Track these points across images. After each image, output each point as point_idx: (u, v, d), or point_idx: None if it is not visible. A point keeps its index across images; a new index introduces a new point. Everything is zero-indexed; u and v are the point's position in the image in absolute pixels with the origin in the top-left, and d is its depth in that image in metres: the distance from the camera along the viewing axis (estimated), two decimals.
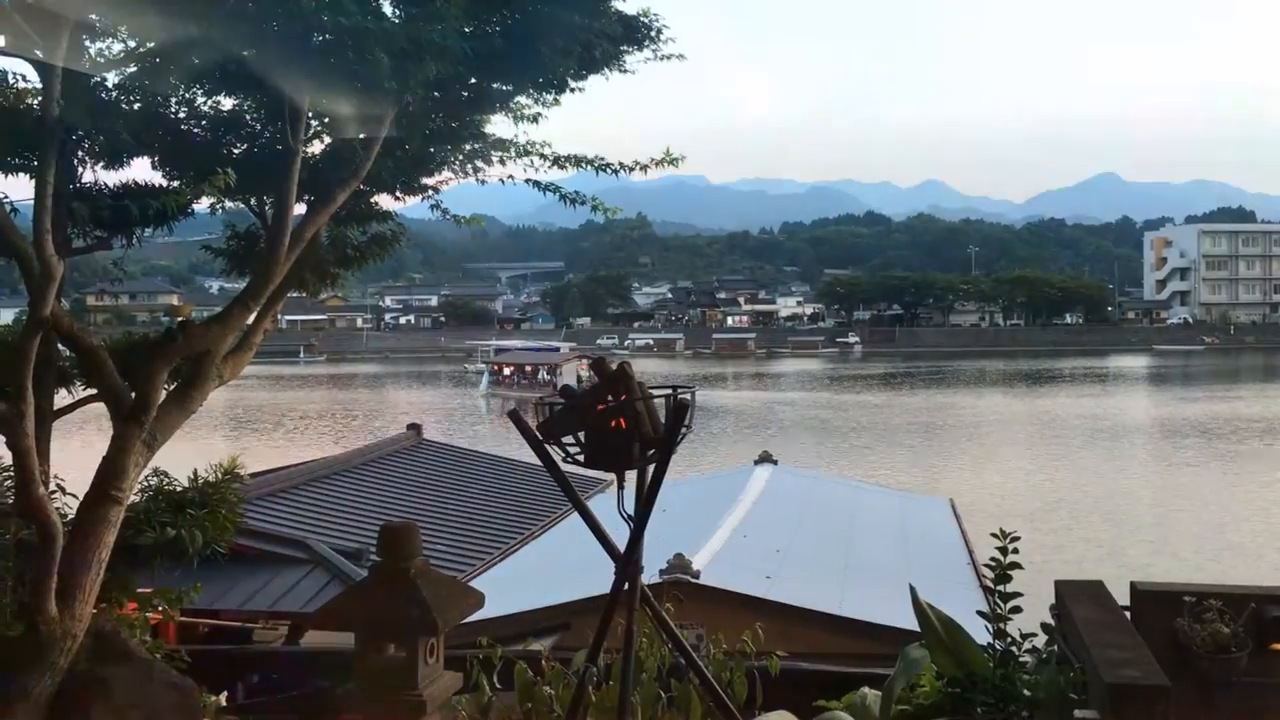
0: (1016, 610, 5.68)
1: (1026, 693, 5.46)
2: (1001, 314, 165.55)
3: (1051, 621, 6.04)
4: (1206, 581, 6.36)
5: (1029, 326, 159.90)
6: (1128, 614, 6.05)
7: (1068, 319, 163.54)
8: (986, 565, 5.93)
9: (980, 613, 5.79)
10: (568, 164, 7.43)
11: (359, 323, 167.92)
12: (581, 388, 6.05)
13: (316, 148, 7.07)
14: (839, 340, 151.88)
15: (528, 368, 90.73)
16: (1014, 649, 5.65)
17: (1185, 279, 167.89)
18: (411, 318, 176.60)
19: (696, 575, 10.52)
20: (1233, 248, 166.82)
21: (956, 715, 5.50)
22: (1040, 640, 5.81)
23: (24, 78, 5.92)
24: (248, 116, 6.91)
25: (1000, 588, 5.75)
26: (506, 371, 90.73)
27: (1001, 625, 5.67)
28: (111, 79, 6.26)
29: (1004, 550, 5.73)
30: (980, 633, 5.74)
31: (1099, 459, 47.18)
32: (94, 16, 5.66)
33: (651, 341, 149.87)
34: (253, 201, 7.12)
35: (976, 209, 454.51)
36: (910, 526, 16.62)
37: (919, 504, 19.91)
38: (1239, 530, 32.07)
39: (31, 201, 5.61)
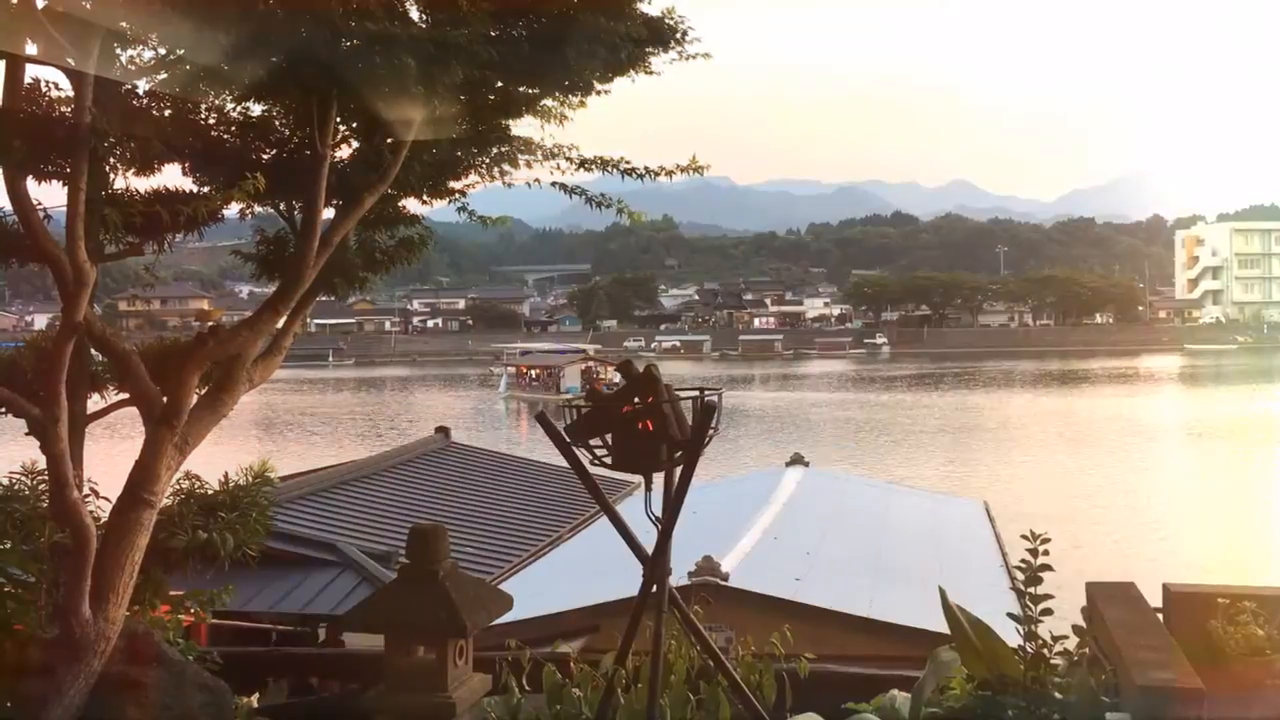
0: (1048, 612, 5.64)
1: (1058, 695, 5.41)
2: (1031, 314, 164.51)
3: (1083, 623, 5.98)
4: (1241, 583, 6.29)
5: (1059, 326, 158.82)
6: (1160, 616, 5.99)
7: (1098, 319, 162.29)
8: (1017, 567, 5.89)
9: (1011, 615, 5.75)
10: (594, 166, 7.44)
11: (387, 326, 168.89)
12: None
13: (344, 152, 7.11)
14: (866, 341, 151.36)
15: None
16: (1045, 651, 5.60)
17: (1217, 277, 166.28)
18: (439, 321, 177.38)
19: (725, 577, 10.49)
20: (1266, 246, 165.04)
21: (987, 718, 5.46)
22: (1072, 642, 5.76)
23: (56, 85, 5.98)
24: (276, 122, 6.97)
25: (1031, 590, 5.70)
26: (533, 374, 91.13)
27: (1032, 627, 5.62)
28: (142, 86, 6.33)
29: (1034, 552, 5.68)
30: (1011, 635, 5.70)
31: (1130, 460, 46.80)
32: (125, 24, 5.71)
33: (678, 343, 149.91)
34: (282, 206, 7.17)
35: (1005, 208, 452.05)
36: (942, 528, 16.53)
37: (951, 506, 19.78)
38: (1274, 531, 31.72)
39: (64, 208, 5.68)
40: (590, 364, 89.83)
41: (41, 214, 5.84)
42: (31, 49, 5.51)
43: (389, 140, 6.74)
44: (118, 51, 5.93)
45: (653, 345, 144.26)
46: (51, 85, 5.99)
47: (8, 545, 6.69)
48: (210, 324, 6.53)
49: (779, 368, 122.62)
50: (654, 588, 5.74)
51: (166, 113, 6.43)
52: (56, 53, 5.43)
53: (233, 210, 7.01)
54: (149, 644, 6.10)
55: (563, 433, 5.78)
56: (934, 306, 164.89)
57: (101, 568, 5.80)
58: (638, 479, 6.03)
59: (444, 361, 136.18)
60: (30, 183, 5.86)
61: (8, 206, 5.82)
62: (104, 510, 6.36)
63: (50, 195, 5.93)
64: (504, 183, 7.67)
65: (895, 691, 6.06)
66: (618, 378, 5.93)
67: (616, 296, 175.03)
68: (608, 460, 5.76)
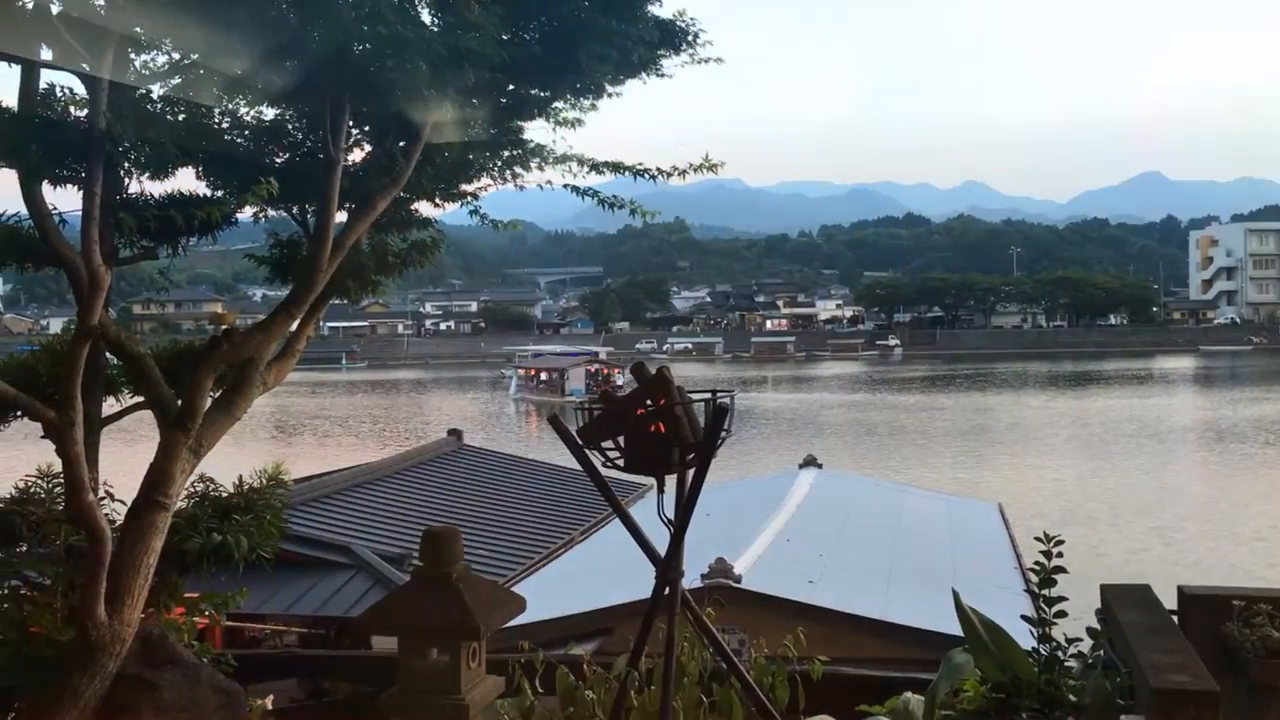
0: (1062, 615, 5.62)
1: (1072, 698, 5.39)
2: (1044, 315, 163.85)
3: (1097, 626, 5.96)
4: (1256, 586, 6.26)
5: (1072, 328, 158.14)
6: (1175, 618, 5.97)
7: (1112, 320, 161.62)
8: (1031, 569, 5.87)
9: (1025, 617, 5.73)
10: (605, 169, 7.45)
11: (400, 329, 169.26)
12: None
13: (357, 156, 7.14)
14: (879, 343, 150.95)
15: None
16: (1059, 654, 5.58)
17: (1232, 278, 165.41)
18: (451, 323, 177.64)
19: (738, 580, 10.48)
20: None
21: None
22: (1086, 645, 5.74)
23: (71, 90, 6.02)
24: (289, 126, 7.00)
25: (1044, 592, 5.69)
26: (544, 376, 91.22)
27: (1046, 630, 5.60)
28: (156, 91, 6.36)
29: (1048, 554, 5.67)
30: (1025, 638, 5.68)
31: (1145, 462, 46.57)
32: (139, 30, 5.74)
33: (690, 345, 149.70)
34: (295, 210, 7.19)
35: (1018, 209, 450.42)
36: (957, 531, 16.47)
37: (966, 508, 19.71)
38: None
39: (79, 212, 5.71)
40: (595, 366, 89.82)
41: (57, 218, 5.88)
42: (47, 54, 5.55)
43: (401, 144, 6.76)
44: (132, 57, 5.96)
45: (665, 347, 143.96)
46: (66, 90, 6.03)
47: (24, 548, 6.73)
48: (224, 327, 6.55)
49: (791, 370, 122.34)
50: (667, 590, 5.74)
51: (180, 117, 6.47)
52: (71, 58, 5.47)
53: (246, 214, 7.04)
54: (164, 646, 6.13)
55: (575, 435, 5.78)
56: (946, 308, 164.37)
57: (117, 570, 5.83)
58: (650, 481, 6.03)
59: (457, 364, 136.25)
60: (45, 187, 5.90)
61: (23, 211, 5.86)
62: (119, 513, 6.39)
63: (65, 199, 5.98)
64: (516, 185, 7.69)
65: (909, 694, 6.04)
66: (621, 380, 5.96)
67: (628, 299, 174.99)
68: (620, 462, 5.76)
